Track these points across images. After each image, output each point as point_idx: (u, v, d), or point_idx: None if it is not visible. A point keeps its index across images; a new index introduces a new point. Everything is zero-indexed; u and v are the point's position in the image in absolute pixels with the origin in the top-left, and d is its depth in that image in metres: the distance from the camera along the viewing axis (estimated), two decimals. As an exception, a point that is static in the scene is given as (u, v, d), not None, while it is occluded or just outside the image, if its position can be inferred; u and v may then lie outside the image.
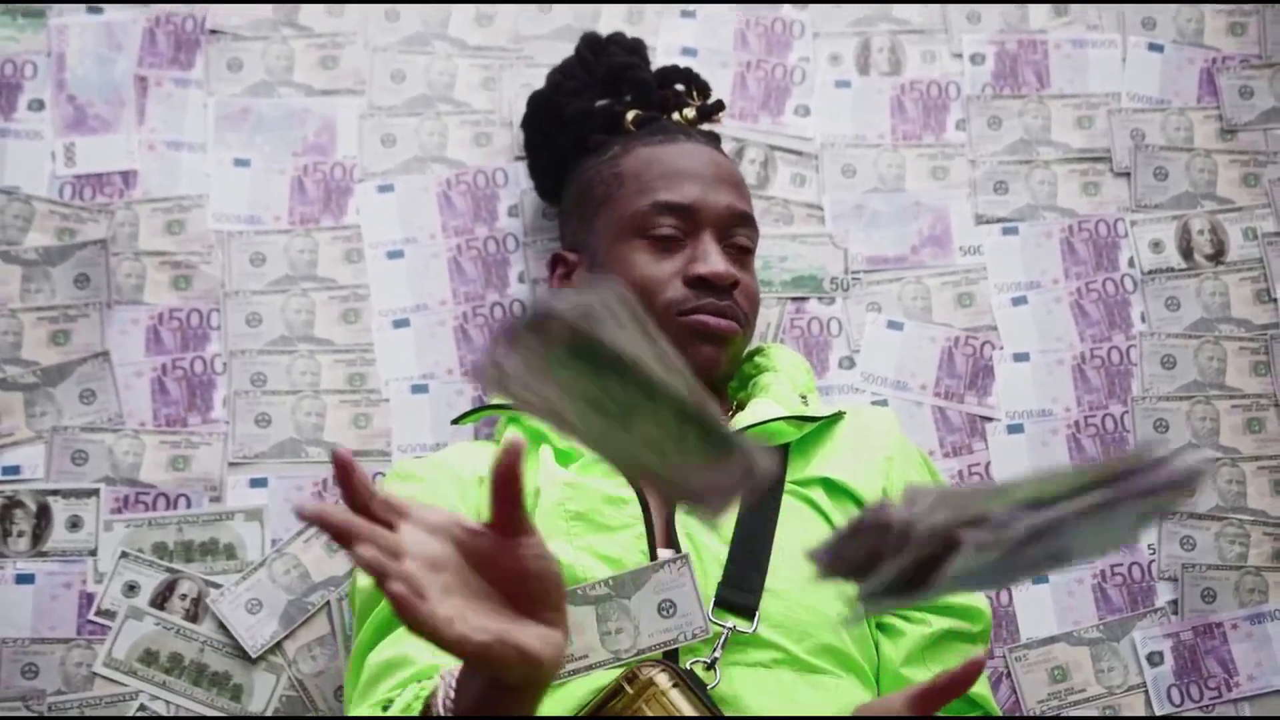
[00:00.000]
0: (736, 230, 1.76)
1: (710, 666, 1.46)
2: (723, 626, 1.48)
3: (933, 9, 2.11)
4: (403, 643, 1.45)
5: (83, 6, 2.02)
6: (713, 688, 1.44)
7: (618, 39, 1.95)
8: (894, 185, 2.04)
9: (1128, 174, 2.05)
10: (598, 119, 1.87)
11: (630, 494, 1.57)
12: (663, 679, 1.39)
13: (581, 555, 1.52)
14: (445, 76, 2.04)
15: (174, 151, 1.99)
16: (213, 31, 2.03)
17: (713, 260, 1.70)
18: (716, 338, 1.69)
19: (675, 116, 1.89)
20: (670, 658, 1.46)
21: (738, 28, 2.09)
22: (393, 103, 2.03)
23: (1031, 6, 2.11)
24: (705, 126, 1.92)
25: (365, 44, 2.05)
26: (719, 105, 1.92)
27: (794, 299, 1.98)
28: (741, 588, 1.51)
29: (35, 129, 1.98)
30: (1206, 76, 2.09)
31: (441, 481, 1.64)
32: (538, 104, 1.92)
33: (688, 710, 1.37)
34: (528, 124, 1.94)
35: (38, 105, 1.99)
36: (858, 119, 2.07)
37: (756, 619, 1.49)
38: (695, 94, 1.94)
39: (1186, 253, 2.01)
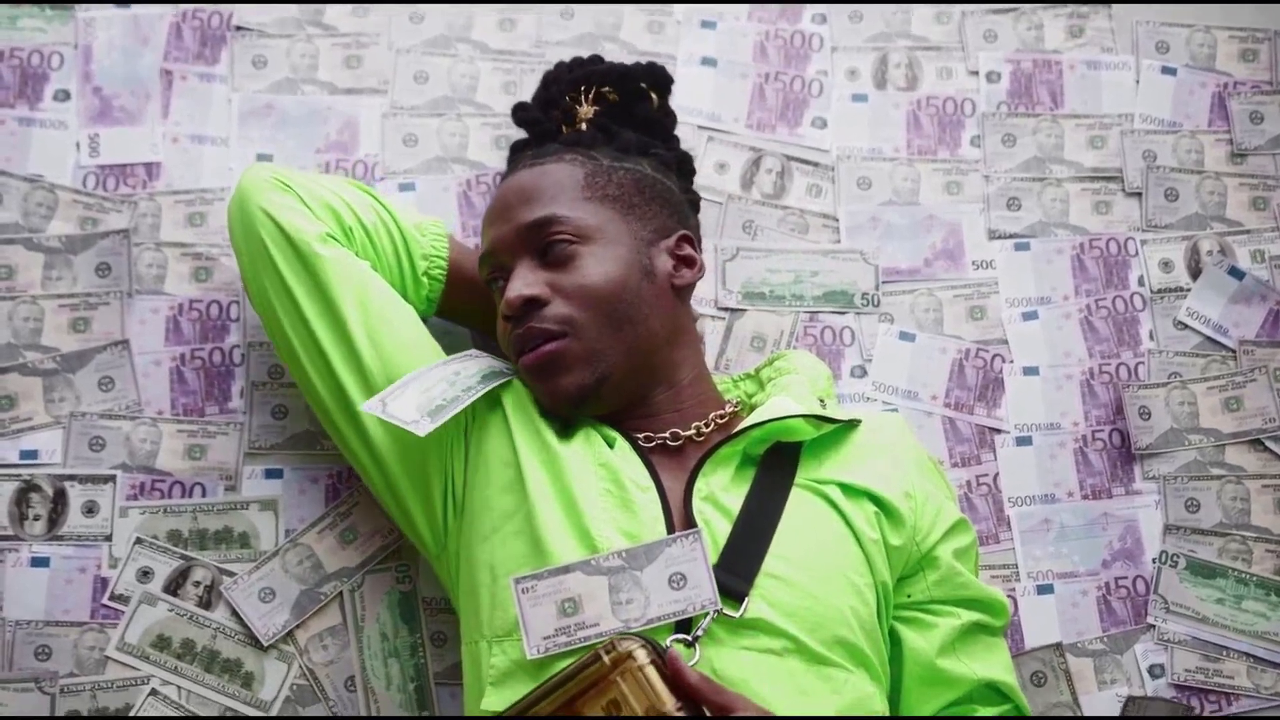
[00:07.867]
0: (544, 237, 1.65)
1: (691, 644, 1.48)
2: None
3: (950, 26, 2.13)
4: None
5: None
6: (693, 664, 1.45)
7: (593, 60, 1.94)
8: (908, 198, 2.06)
9: (1139, 194, 2.07)
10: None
11: (651, 484, 1.59)
12: (641, 654, 1.39)
13: (605, 528, 1.54)
14: (468, 79, 2.06)
15: (197, 145, 2.01)
16: (239, 28, 2.05)
17: (507, 291, 1.64)
18: (543, 369, 1.63)
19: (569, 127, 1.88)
20: (682, 627, 1.49)
21: (757, 40, 2.11)
22: (415, 103, 2.05)
23: (1048, 27, 2.13)
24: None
25: (389, 45, 2.07)
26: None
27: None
28: (733, 572, 1.52)
29: (60, 119, 1.99)
30: (1218, 101, 2.12)
31: None
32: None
33: (660, 688, 1.38)
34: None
35: (64, 95, 2.00)
36: (874, 132, 2.09)
37: (745, 604, 1.50)
38: (657, 95, 1.89)
39: (1196, 273, 2.03)
